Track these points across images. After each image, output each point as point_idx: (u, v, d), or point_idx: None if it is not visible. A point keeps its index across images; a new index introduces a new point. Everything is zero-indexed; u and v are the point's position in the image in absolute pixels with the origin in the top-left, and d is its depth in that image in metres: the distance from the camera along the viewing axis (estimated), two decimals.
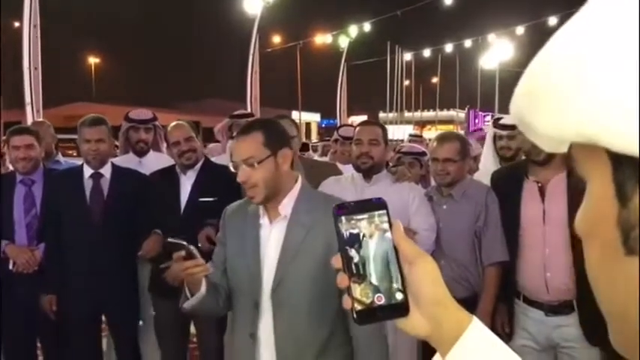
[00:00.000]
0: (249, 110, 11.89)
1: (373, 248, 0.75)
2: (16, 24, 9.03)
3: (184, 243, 1.93)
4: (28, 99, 8.29)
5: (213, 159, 4.16)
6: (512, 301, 3.01)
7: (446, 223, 3.16)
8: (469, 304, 3.02)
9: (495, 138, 3.94)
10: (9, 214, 3.67)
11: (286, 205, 2.13)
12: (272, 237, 2.13)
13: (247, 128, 2.13)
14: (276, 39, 31.54)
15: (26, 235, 3.68)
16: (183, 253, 1.93)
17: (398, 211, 3.07)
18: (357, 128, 3.38)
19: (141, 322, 3.88)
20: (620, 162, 0.41)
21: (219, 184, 3.51)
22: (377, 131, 3.22)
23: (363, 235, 0.75)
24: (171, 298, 3.39)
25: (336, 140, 4.93)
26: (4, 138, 3.71)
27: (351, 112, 33.94)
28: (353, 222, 0.75)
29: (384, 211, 0.77)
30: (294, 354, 2.09)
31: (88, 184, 3.63)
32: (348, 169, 3.65)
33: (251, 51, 16.05)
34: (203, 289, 2.03)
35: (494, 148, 3.95)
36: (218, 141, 5.57)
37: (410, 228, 3.08)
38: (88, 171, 3.65)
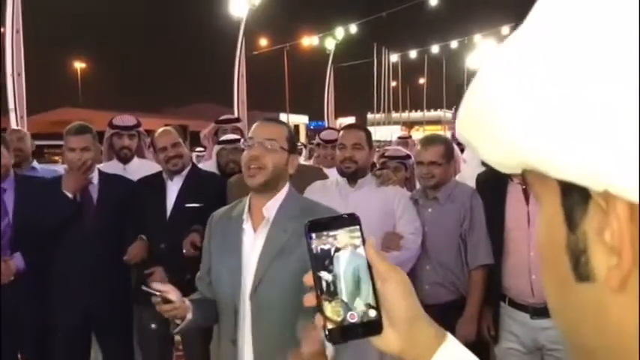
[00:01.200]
0: (236, 114, 11.88)
1: (345, 265, 0.73)
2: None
3: (157, 293, 2.00)
4: (11, 105, 8.20)
5: (200, 165, 4.14)
6: (498, 304, 3.01)
7: (431, 227, 3.15)
8: (455, 307, 3.02)
9: None
10: None
11: (270, 208, 2.13)
12: (254, 241, 2.13)
13: (275, 120, 2.26)
14: (263, 42, 31.48)
15: None
16: (159, 299, 2.00)
17: (383, 214, 3.06)
18: (341, 132, 3.36)
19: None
20: (568, 187, 0.40)
21: (206, 191, 3.51)
22: (360, 135, 3.20)
23: (336, 251, 0.73)
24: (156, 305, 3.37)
25: (318, 144, 4.93)
26: None
27: (338, 113, 34.01)
28: (324, 238, 0.74)
29: (357, 227, 0.75)
30: None
31: None
32: (332, 173, 3.63)
33: (237, 54, 16.02)
34: (189, 315, 2.05)
35: None
36: (204, 146, 5.55)
37: (396, 232, 3.07)
38: None
